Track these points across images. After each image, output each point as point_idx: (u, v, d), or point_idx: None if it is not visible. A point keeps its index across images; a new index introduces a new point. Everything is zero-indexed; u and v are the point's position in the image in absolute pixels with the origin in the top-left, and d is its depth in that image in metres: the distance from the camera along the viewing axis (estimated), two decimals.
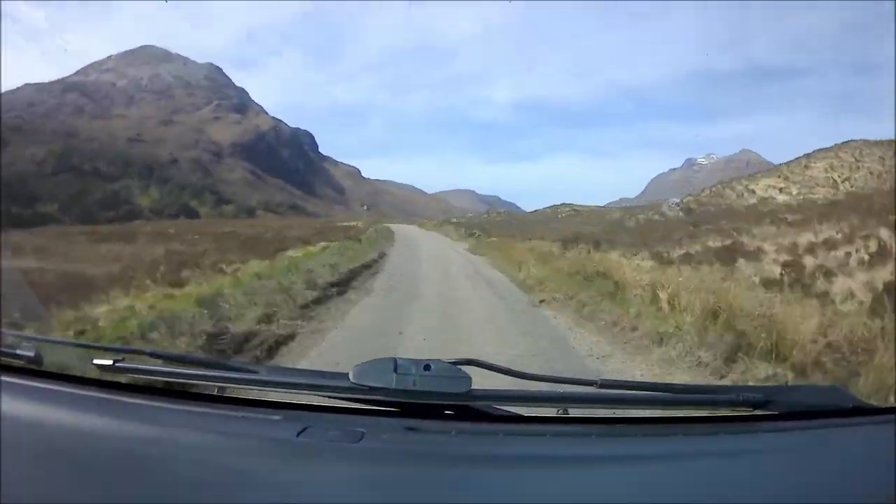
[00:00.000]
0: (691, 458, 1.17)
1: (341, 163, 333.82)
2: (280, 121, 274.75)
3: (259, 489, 0.96)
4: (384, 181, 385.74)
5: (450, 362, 1.25)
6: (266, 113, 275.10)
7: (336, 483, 1.01)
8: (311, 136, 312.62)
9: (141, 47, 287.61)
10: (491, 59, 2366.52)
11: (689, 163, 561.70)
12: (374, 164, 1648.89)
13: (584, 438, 1.28)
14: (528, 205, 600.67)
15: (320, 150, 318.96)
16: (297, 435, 1.12)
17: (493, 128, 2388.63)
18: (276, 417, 1.24)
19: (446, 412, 1.27)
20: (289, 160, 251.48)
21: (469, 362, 1.29)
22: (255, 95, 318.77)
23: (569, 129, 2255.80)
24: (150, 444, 1.10)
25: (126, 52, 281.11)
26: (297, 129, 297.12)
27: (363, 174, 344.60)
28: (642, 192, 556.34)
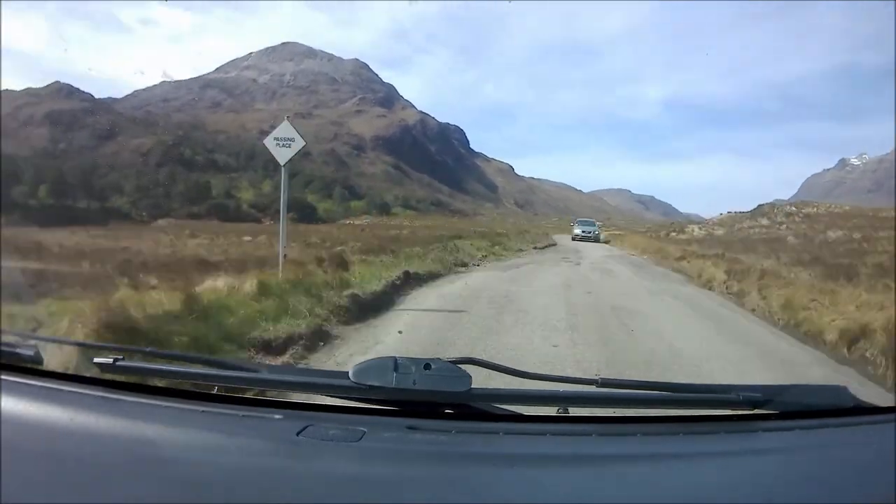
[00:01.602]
0: (691, 457, 1.17)
1: (494, 159, 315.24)
2: (427, 114, 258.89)
3: (259, 489, 0.97)
4: (538, 179, 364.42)
5: (450, 361, 1.26)
6: (413, 107, 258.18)
7: (336, 482, 1.01)
8: (461, 131, 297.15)
9: (283, 44, 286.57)
10: (638, 58, 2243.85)
11: (843, 163, 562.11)
12: (524, 162, 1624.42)
13: (584, 438, 1.27)
14: (683, 205, 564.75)
15: (471, 146, 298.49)
16: (298, 434, 1.12)
17: (643, 127, 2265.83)
18: (277, 417, 1.24)
19: (446, 411, 1.27)
20: (437, 155, 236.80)
21: (469, 361, 1.30)
22: (404, 92, 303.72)
23: (719, 129, 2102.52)
24: (150, 443, 1.11)
25: (267, 49, 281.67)
26: (447, 124, 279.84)
27: (516, 171, 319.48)
28: (796, 193, 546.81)
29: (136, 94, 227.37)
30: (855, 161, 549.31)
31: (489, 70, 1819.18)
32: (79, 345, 1.66)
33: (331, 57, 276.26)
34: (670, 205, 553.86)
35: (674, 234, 47.82)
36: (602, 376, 1.37)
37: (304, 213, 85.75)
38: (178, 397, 1.33)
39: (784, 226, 45.41)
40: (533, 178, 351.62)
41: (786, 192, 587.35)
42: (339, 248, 18.57)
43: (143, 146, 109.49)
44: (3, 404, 1.16)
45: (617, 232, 58.36)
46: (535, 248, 27.79)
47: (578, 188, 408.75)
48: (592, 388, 1.36)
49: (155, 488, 0.97)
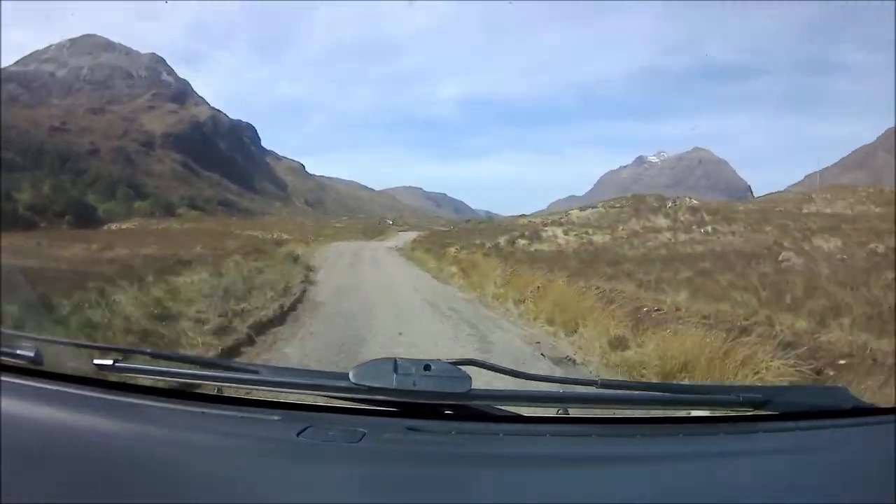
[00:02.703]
0: (691, 458, 1.17)
1: (284, 157, 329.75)
2: (219, 111, 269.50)
3: (259, 489, 0.97)
4: (329, 177, 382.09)
5: (450, 362, 1.26)
6: (207, 104, 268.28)
7: (336, 483, 1.01)
8: (252, 129, 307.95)
9: (83, 36, 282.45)
10: (438, 56, 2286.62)
11: (640, 160, 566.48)
12: (318, 160, 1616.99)
13: (584, 438, 1.28)
14: (475, 202, 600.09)
15: (263, 144, 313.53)
16: (298, 435, 1.12)
17: (440, 125, 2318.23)
18: (276, 417, 1.25)
19: (446, 412, 1.27)
20: (227, 152, 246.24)
21: (469, 362, 1.30)
22: (200, 89, 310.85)
23: (517, 128, 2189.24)
24: (150, 444, 1.11)
25: (68, 41, 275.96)
26: (239, 121, 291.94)
27: (307, 170, 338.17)
28: (591, 190, 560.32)
29: None
30: (653, 158, 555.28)
31: (285, 67, 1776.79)
32: (79, 346, 1.72)
33: (128, 51, 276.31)
34: (462, 202, 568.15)
35: (524, 241, 36.59)
36: (602, 378, 1.39)
37: (80, 216, 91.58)
38: (177, 398, 1.33)
39: (706, 231, 36.34)
40: (324, 177, 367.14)
41: (582, 189, 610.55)
42: None
43: None
44: (3, 404, 1.16)
45: (415, 234, 52.01)
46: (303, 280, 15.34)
47: (371, 186, 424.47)
48: (592, 389, 1.36)
49: (155, 489, 0.97)
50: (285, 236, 49.93)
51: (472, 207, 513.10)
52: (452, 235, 44.83)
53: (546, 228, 40.84)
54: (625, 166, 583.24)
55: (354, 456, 1.09)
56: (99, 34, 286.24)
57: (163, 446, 1.10)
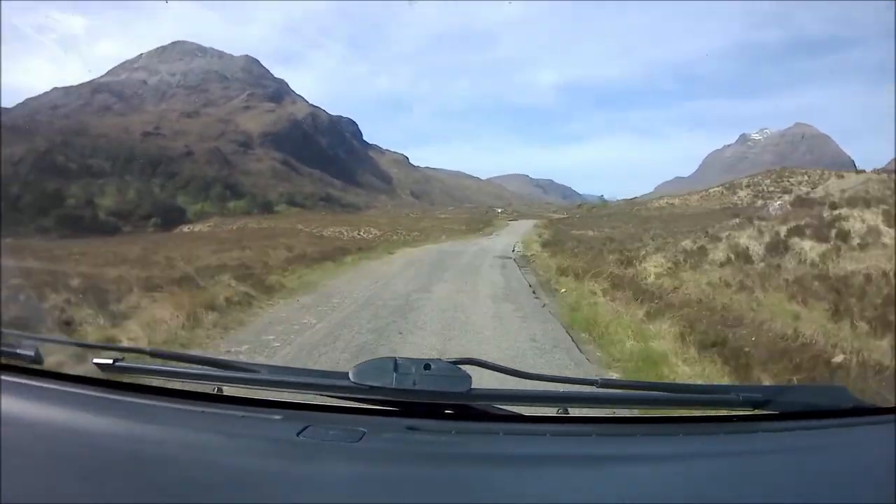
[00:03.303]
0: (691, 458, 1.17)
1: (388, 150, 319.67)
2: (318, 108, 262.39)
3: (259, 489, 0.97)
4: (434, 168, 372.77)
5: (450, 362, 1.26)
6: (305, 101, 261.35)
7: (336, 483, 1.01)
8: (353, 124, 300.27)
9: (172, 43, 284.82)
10: (531, 43, 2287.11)
11: (744, 138, 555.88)
12: (422, 152, 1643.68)
13: (584, 438, 1.27)
14: (582, 187, 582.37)
15: (365, 138, 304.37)
16: (298, 434, 1.12)
17: (539, 112, 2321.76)
18: (276, 417, 1.24)
19: (446, 412, 1.27)
20: (328, 149, 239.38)
21: (469, 362, 1.30)
22: (298, 88, 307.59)
23: (615, 111, 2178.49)
24: (150, 443, 1.11)
25: (157, 49, 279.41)
26: (339, 116, 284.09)
27: (411, 161, 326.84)
28: (697, 171, 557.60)
29: (26, 102, 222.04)
30: (756, 136, 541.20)
31: (382, 62, 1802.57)
32: (79, 345, 1.72)
33: (221, 54, 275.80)
34: (569, 187, 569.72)
35: (809, 246, 13.20)
36: (602, 377, 1.36)
37: (168, 218, 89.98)
38: (177, 397, 1.33)
39: None
40: (429, 168, 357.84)
41: (687, 170, 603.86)
42: None
43: (15, 155, 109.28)
44: (3, 404, 1.16)
45: (528, 225, 43.88)
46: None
47: (476, 175, 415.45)
48: (592, 389, 1.35)
49: (155, 489, 0.97)
50: (373, 231, 45.76)
51: (580, 192, 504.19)
52: (577, 225, 38.13)
53: (845, 212, 15.35)
54: (728, 145, 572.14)
55: (354, 455, 1.09)
56: (189, 40, 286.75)
57: (163, 445, 1.10)
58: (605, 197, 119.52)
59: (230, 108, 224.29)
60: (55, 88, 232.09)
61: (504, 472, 1.08)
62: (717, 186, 79.57)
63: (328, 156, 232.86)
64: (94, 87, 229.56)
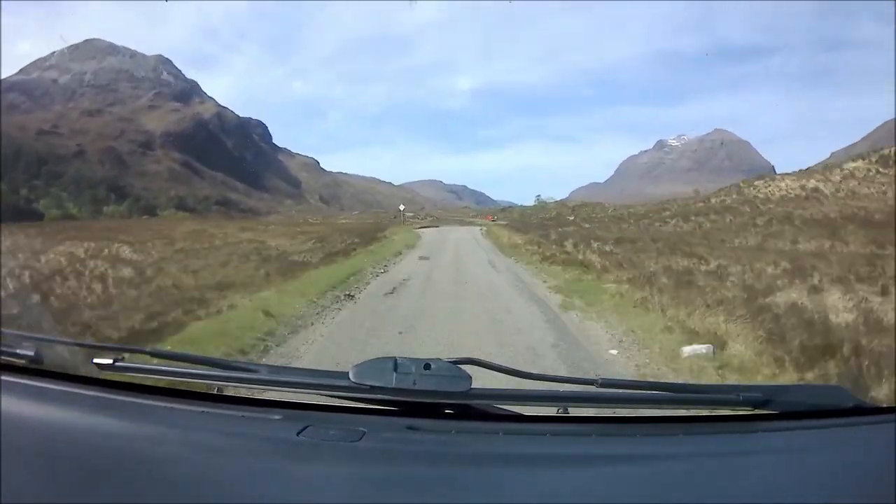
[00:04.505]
0: (691, 457, 1.17)
1: (297, 154, 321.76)
2: (226, 108, 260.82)
3: (259, 489, 0.97)
4: (346, 174, 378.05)
5: (450, 361, 1.26)
6: (214, 101, 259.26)
7: (336, 482, 1.01)
8: (263, 126, 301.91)
9: (86, 41, 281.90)
10: (450, 48, 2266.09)
11: (661, 144, 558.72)
12: (336, 157, 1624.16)
13: (584, 438, 1.28)
14: (496, 193, 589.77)
15: (277, 142, 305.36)
16: (298, 434, 1.12)
17: (457, 117, 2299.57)
18: (276, 417, 1.25)
19: (446, 411, 1.27)
20: (234, 150, 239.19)
21: (469, 361, 1.29)
22: (212, 91, 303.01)
23: (533, 117, 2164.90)
24: (150, 443, 1.11)
25: (70, 48, 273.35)
26: (248, 118, 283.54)
27: (322, 166, 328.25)
28: (612, 176, 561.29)
29: None
30: (673, 142, 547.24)
31: (298, 65, 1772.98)
32: (78, 345, 1.72)
33: (133, 53, 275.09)
34: (483, 193, 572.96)
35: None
36: (602, 377, 1.38)
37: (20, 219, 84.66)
38: (177, 397, 1.33)
39: None
40: (342, 173, 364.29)
41: (602, 175, 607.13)
42: None
43: None
44: (2, 404, 1.16)
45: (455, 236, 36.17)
46: None
47: (390, 181, 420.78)
48: (592, 389, 1.34)
49: (155, 488, 0.97)
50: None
51: (493, 198, 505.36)
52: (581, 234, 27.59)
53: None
54: (645, 151, 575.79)
55: (354, 455, 1.10)
56: (103, 38, 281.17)
57: (163, 445, 1.11)
58: (542, 197, 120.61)
59: (135, 107, 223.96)
60: None
61: (504, 472, 1.08)
62: None
63: (233, 158, 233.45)
64: (6, 86, 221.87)
